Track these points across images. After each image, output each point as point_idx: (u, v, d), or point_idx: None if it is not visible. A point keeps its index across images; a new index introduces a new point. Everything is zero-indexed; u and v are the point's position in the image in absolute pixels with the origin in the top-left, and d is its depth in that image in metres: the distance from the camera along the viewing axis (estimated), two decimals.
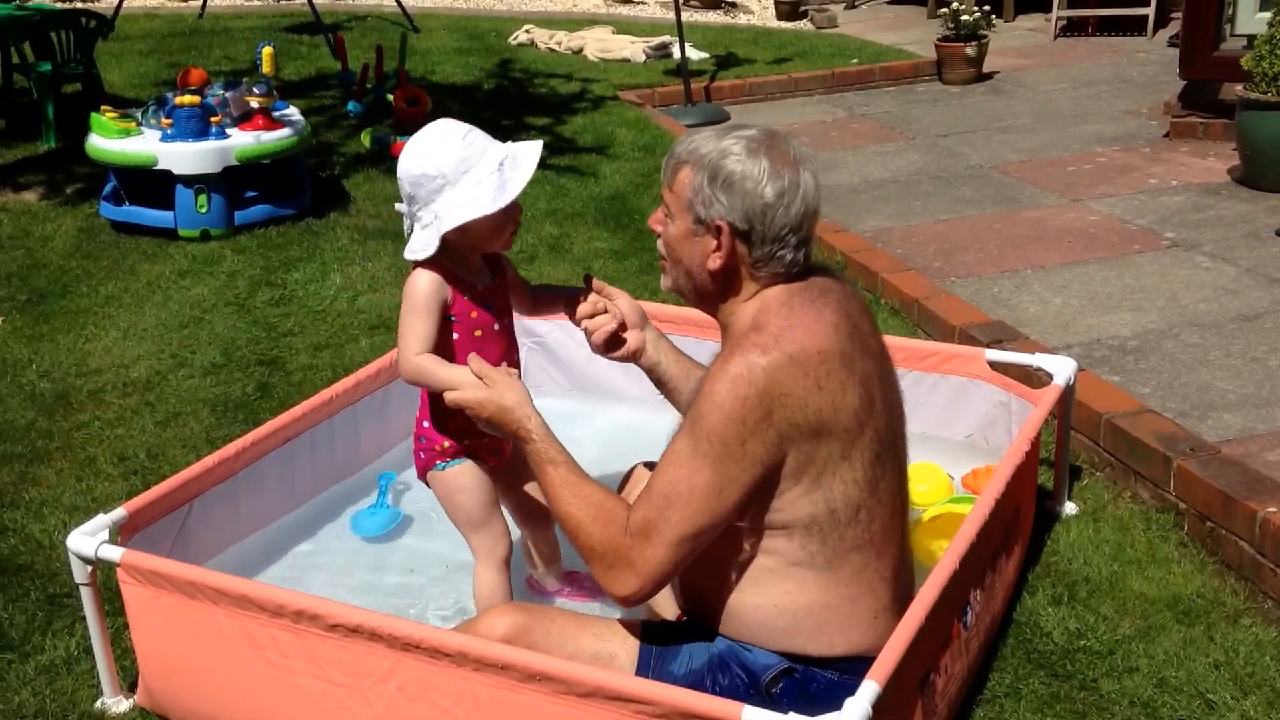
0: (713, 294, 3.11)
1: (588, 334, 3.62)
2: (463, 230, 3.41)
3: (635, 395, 4.98)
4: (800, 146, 3.06)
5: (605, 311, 3.62)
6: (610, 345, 3.63)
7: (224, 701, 3.40)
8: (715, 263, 3.02)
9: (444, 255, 3.48)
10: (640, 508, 2.96)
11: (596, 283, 3.67)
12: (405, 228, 3.53)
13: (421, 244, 3.45)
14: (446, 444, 3.66)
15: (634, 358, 3.65)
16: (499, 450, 3.76)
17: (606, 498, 3.07)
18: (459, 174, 3.38)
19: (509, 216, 3.49)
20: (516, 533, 3.92)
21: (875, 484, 3.01)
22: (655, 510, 2.92)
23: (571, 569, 4.11)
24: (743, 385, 2.85)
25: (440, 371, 3.42)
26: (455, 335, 3.55)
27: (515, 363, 3.67)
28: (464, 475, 3.68)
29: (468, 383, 3.34)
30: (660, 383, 3.69)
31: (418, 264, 3.50)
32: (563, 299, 3.69)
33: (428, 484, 3.78)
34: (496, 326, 3.62)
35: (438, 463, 3.68)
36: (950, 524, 3.90)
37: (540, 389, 5.33)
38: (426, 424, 3.69)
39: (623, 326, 3.62)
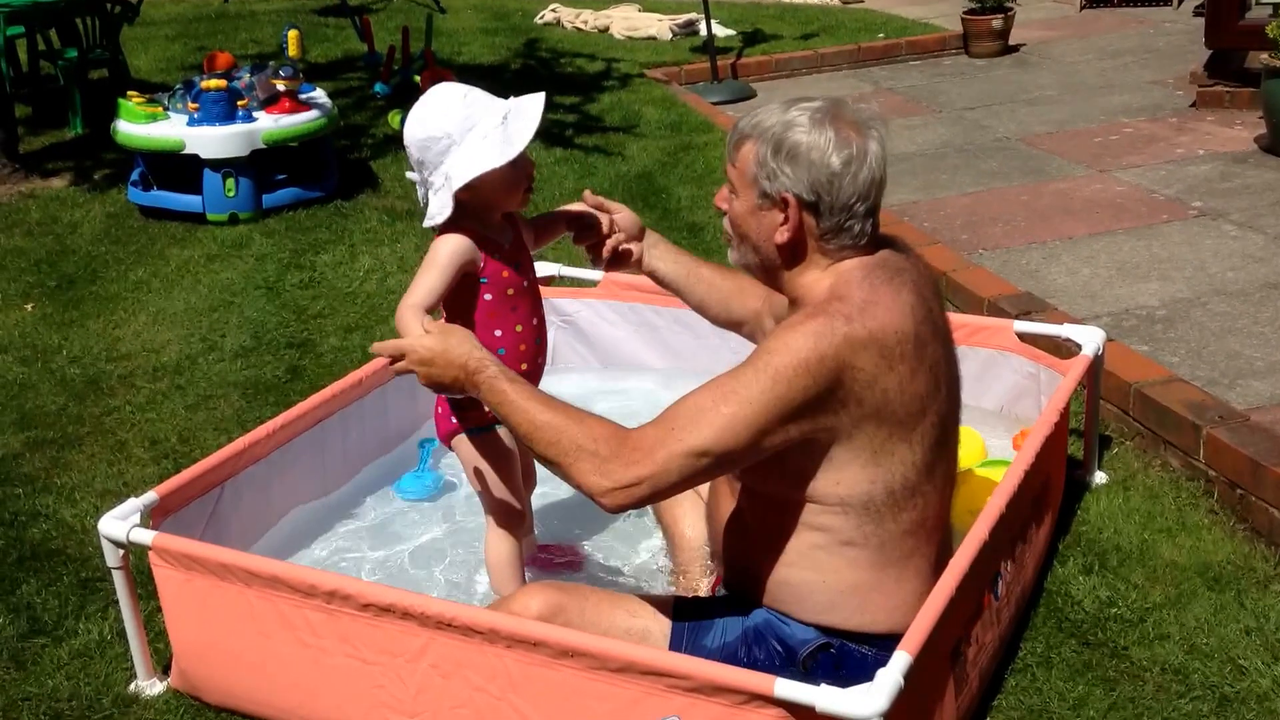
0: (780, 267, 3.06)
1: (592, 253, 3.69)
2: (475, 188, 3.37)
3: (664, 370, 4.99)
4: (868, 111, 3.03)
5: (605, 230, 3.67)
6: (614, 261, 3.69)
7: (257, 682, 3.42)
8: (783, 235, 2.98)
9: (465, 218, 3.44)
10: (659, 421, 2.90)
11: (593, 199, 3.70)
12: (420, 196, 3.51)
13: (438, 208, 3.40)
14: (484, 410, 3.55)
15: (635, 267, 3.72)
16: None
17: (578, 408, 3.01)
18: (463, 132, 3.35)
19: (520, 171, 3.45)
20: None
21: (932, 468, 3.01)
22: (678, 421, 2.86)
23: (543, 543, 4.17)
24: (824, 342, 2.80)
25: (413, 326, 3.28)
26: (489, 296, 3.51)
27: (542, 319, 3.66)
28: (497, 442, 3.66)
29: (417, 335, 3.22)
30: (664, 285, 3.77)
31: (442, 230, 3.45)
32: (563, 220, 3.71)
33: (452, 448, 3.74)
34: (525, 284, 3.59)
35: (472, 426, 3.64)
36: (982, 488, 3.88)
37: (570, 366, 5.38)
38: None
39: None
